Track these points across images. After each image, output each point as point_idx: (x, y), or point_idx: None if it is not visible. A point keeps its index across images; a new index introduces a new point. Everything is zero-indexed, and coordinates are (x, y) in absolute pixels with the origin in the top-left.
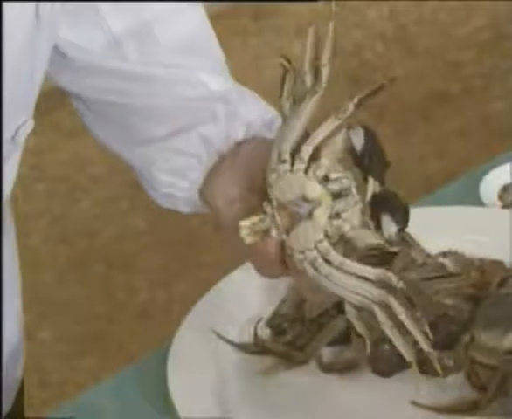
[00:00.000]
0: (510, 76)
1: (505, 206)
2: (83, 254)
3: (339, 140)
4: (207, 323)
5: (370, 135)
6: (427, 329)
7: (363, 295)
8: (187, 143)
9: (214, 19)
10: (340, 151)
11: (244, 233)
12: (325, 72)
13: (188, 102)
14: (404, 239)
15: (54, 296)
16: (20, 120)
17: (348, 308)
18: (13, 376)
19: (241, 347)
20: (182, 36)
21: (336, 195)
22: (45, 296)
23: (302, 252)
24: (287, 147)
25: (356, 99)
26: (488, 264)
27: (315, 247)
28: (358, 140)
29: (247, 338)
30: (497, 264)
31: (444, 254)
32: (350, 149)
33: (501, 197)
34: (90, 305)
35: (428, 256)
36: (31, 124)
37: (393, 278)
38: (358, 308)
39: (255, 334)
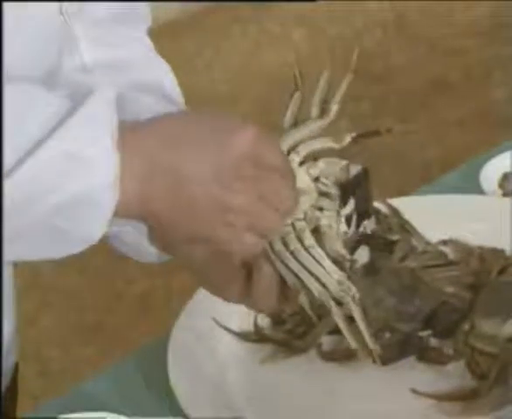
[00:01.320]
0: (510, 64)
1: (505, 194)
2: None
3: (338, 165)
4: (207, 311)
5: (364, 175)
6: (375, 344)
7: (323, 283)
8: None
9: (215, 7)
10: (336, 173)
11: None
12: (334, 108)
13: None
14: (405, 228)
15: (54, 285)
16: None
17: (302, 298)
18: (7, 363)
19: (241, 336)
20: (152, 80)
21: (322, 195)
22: (45, 285)
23: None
24: (284, 143)
25: (354, 135)
26: (488, 253)
27: (292, 224)
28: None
29: (247, 326)
30: (497, 252)
31: (444, 242)
32: (345, 179)
33: (501, 185)
34: (90, 295)
35: (428, 244)
36: None
37: (353, 289)
38: (312, 299)
39: (255, 323)
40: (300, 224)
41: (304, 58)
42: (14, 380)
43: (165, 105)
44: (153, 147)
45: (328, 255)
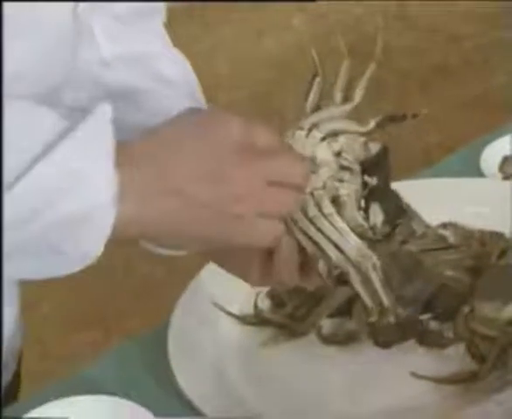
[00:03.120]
0: (510, 49)
1: (505, 177)
2: None
3: (357, 142)
4: (207, 295)
5: (384, 153)
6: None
7: (342, 250)
8: None
9: None
10: (355, 150)
11: None
12: (359, 94)
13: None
14: (405, 211)
15: None
16: None
17: (321, 266)
18: (13, 348)
19: (241, 319)
20: (172, 72)
21: (343, 169)
22: None
23: None
24: (306, 122)
25: (378, 119)
26: (489, 236)
27: (311, 193)
28: (374, 150)
29: (247, 309)
30: (497, 235)
31: (444, 226)
32: (365, 156)
33: (501, 169)
34: (90, 280)
35: (428, 227)
36: None
37: (373, 257)
38: (330, 266)
39: (255, 306)
40: (319, 193)
41: (304, 44)
42: (18, 364)
43: (184, 99)
44: (148, 165)
45: (347, 224)
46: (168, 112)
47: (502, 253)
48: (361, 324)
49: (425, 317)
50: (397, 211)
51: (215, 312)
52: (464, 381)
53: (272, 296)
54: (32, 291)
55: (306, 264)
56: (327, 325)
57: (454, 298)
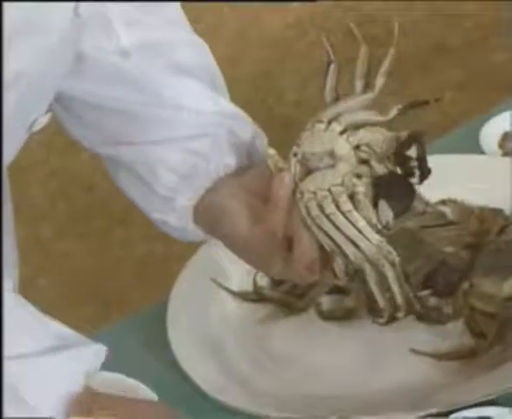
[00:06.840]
0: (510, 28)
1: (505, 154)
2: (82, 207)
3: (384, 136)
4: (206, 272)
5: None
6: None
7: (359, 247)
8: (201, 146)
9: None
10: (380, 144)
11: (269, 158)
12: (379, 83)
13: (199, 115)
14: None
15: (53, 250)
16: (41, 111)
17: (337, 260)
18: None
19: (241, 295)
20: (191, 60)
21: (362, 163)
22: (44, 250)
23: (314, 192)
24: (326, 114)
25: (400, 106)
26: (488, 213)
27: (329, 189)
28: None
29: (247, 286)
30: (497, 212)
31: (444, 202)
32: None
33: (501, 145)
34: (89, 259)
35: (428, 204)
36: (48, 115)
37: (393, 253)
38: (348, 263)
39: (254, 282)
40: (337, 189)
41: (303, 24)
42: None
43: (205, 86)
44: None
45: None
46: (187, 105)
47: (502, 230)
48: (359, 301)
49: (424, 293)
50: (407, 200)
51: (214, 288)
52: (463, 356)
53: None
54: (30, 266)
55: (325, 259)
56: (326, 301)
57: (454, 274)
